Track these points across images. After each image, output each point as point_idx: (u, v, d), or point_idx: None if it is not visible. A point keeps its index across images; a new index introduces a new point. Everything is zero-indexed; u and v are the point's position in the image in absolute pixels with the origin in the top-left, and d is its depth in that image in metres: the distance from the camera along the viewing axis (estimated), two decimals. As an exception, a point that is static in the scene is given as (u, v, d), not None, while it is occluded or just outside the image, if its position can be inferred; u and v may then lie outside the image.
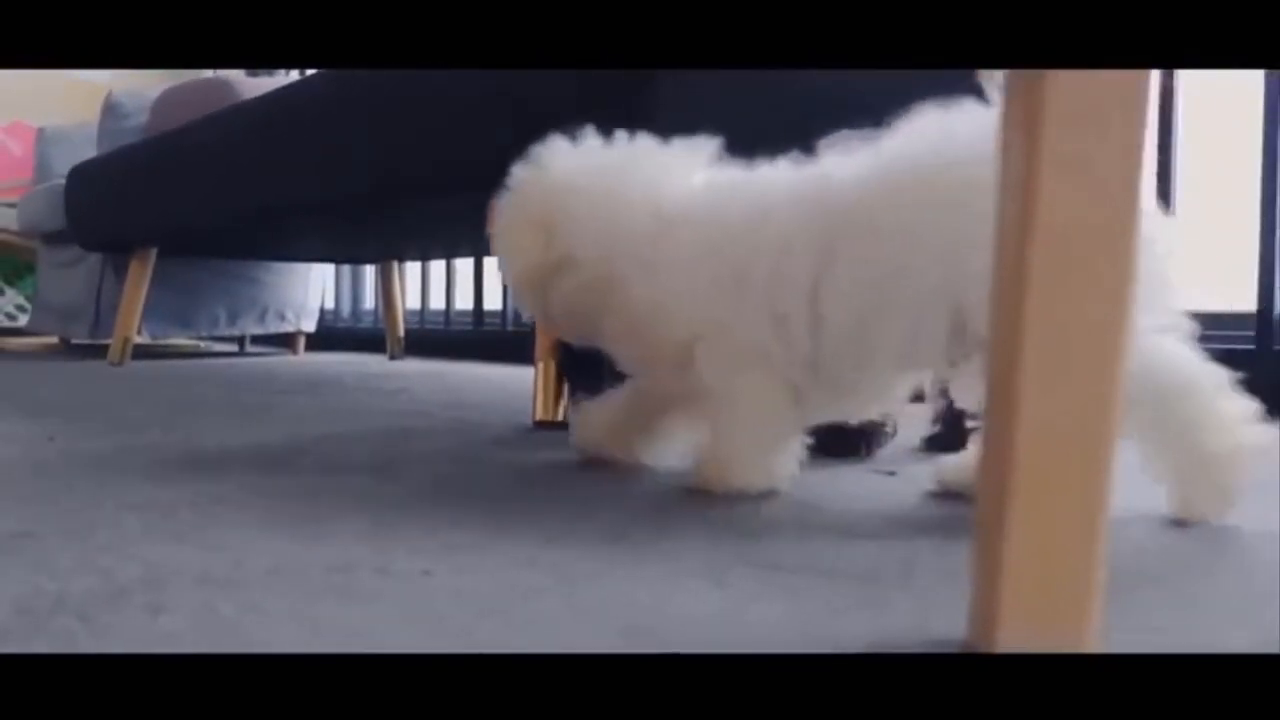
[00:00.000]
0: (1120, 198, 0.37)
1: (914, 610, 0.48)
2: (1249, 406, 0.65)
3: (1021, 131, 0.38)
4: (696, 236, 0.75)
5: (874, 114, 0.76)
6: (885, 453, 0.96)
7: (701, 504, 0.72)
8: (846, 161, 0.71)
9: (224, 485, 0.77)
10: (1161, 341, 0.65)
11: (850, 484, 0.80)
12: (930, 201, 0.66)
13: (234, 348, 3.17)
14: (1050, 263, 0.37)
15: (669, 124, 0.97)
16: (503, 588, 0.50)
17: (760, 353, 0.73)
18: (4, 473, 0.82)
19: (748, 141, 0.94)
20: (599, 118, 1.06)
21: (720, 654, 0.41)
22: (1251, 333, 1.40)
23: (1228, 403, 0.65)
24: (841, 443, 0.93)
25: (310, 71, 2.46)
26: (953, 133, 0.66)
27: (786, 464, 0.74)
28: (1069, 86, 0.37)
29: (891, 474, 0.85)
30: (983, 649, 0.39)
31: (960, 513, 0.69)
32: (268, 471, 0.83)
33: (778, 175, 0.76)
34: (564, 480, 0.81)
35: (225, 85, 2.45)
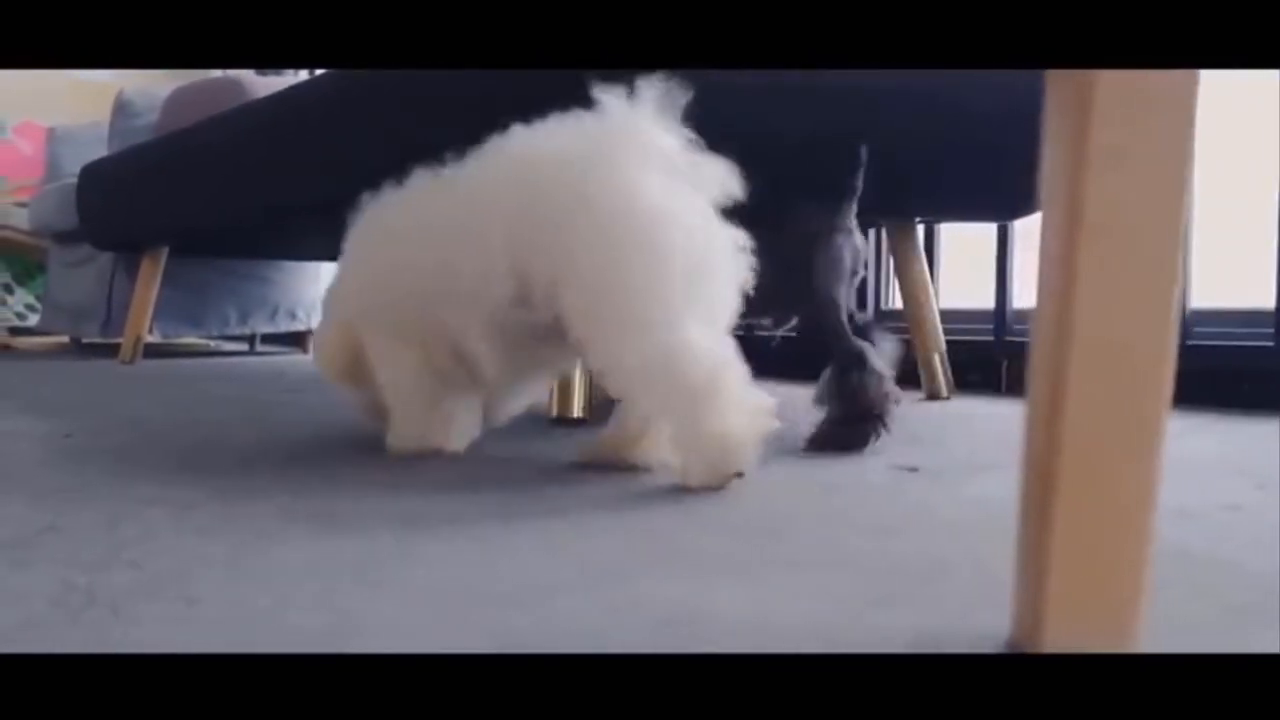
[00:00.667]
0: (1167, 192, 0.37)
1: (951, 608, 0.47)
2: (763, 399, 0.74)
3: (1068, 126, 0.37)
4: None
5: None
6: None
7: (722, 501, 0.71)
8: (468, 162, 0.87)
9: (244, 478, 0.77)
10: (690, 331, 0.73)
11: (871, 479, 0.80)
12: (500, 185, 0.81)
13: (244, 347, 3.17)
14: (1098, 257, 0.37)
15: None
16: (529, 583, 0.50)
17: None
18: (25, 469, 0.82)
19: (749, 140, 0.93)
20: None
21: (761, 654, 0.40)
22: (1270, 329, 1.39)
23: (740, 392, 0.73)
24: (847, 437, 0.93)
25: (319, 71, 2.46)
26: (537, 135, 0.81)
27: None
28: (1117, 84, 0.36)
29: (914, 470, 0.85)
30: (1029, 649, 0.39)
31: (988, 509, 0.69)
32: (287, 465, 0.83)
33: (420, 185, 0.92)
34: (582, 476, 0.81)
35: (235, 85, 2.45)
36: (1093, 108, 0.36)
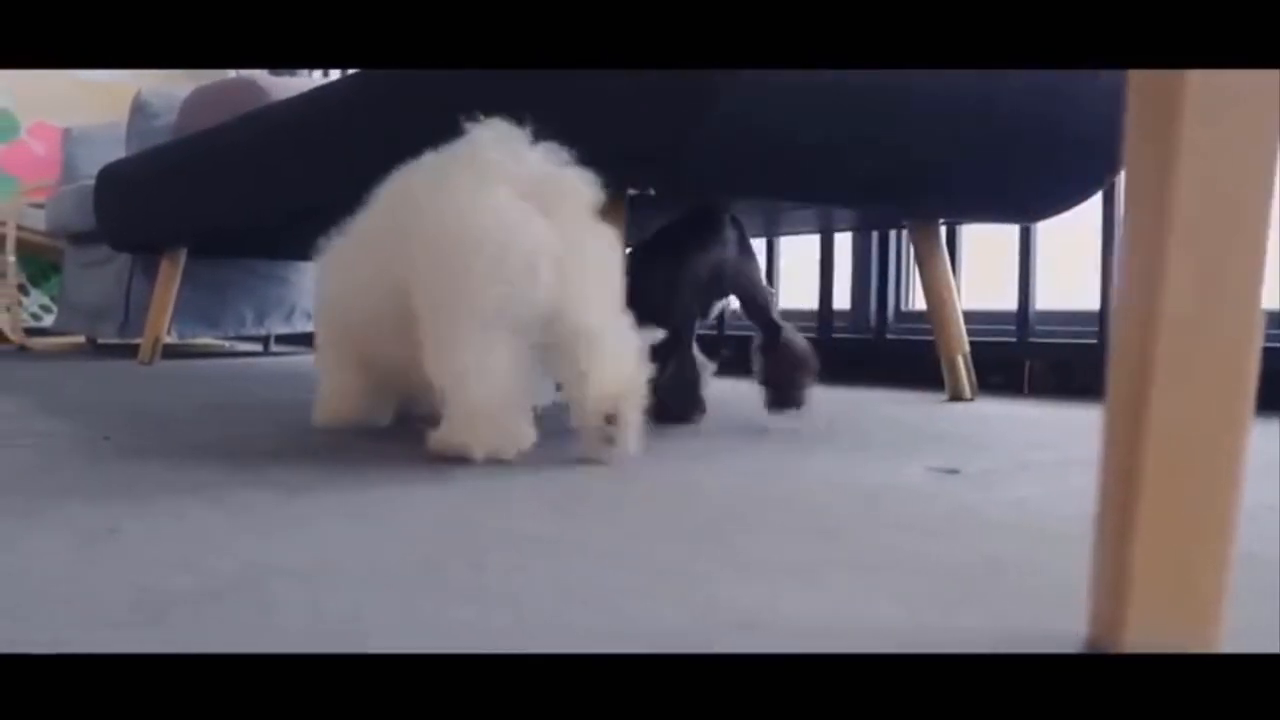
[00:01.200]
0: (1254, 192, 0.37)
1: (1016, 608, 0.47)
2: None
3: (1155, 127, 0.37)
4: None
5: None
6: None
7: (765, 500, 0.71)
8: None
9: (294, 477, 0.77)
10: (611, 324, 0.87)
11: (910, 481, 0.80)
12: (388, 213, 0.96)
13: (258, 348, 3.18)
14: (1186, 258, 0.37)
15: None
16: (599, 586, 0.50)
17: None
18: (73, 470, 0.82)
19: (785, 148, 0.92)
20: (617, 117, 1.06)
21: (850, 654, 0.41)
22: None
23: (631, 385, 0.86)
24: (677, 408, 1.16)
25: (335, 72, 2.46)
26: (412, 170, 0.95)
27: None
28: (1206, 85, 0.36)
29: (954, 472, 0.85)
30: (1109, 649, 0.39)
31: (1030, 510, 0.69)
32: (332, 466, 0.83)
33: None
34: (629, 475, 0.81)
35: (253, 85, 2.46)
36: (1183, 109, 0.36)
